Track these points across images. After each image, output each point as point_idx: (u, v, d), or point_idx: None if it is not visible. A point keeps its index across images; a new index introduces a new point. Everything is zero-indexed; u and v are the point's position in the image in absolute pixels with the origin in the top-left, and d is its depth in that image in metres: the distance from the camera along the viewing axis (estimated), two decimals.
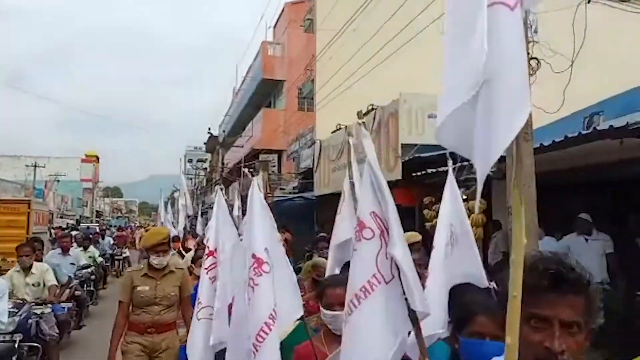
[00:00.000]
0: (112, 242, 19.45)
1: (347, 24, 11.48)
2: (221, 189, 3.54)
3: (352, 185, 3.00)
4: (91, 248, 12.62)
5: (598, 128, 5.14)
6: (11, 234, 10.56)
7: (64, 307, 7.33)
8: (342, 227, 3.18)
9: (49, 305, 6.50)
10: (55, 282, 6.66)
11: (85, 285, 10.54)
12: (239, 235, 3.33)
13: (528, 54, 4.86)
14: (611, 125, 4.86)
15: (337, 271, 3.20)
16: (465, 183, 9.21)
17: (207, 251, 3.42)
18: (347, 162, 3.06)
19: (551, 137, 5.77)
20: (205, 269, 3.33)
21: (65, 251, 9.43)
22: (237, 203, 7.34)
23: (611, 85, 7.80)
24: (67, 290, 8.12)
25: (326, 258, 5.50)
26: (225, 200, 3.47)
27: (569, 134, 5.51)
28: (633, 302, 5.86)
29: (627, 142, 4.99)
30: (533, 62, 4.88)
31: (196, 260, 5.56)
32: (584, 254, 6.44)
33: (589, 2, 5.16)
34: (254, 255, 2.68)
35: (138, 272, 4.30)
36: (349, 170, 3.06)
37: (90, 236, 14.93)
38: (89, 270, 10.50)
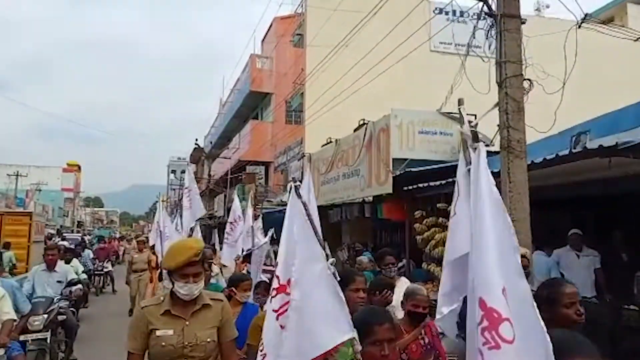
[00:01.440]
0: (91, 255, 17.15)
1: (341, 42, 11.70)
2: (297, 186, 2.48)
3: (469, 173, 2.24)
4: (74, 262, 10.65)
5: (588, 147, 5.35)
6: (16, 242, 12.77)
7: (21, 343, 5.63)
8: (459, 237, 2.36)
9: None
10: (12, 315, 4.87)
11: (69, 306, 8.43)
12: (328, 257, 2.34)
13: (521, 75, 5.07)
14: (601, 145, 5.07)
15: (455, 300, 2.38)
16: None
17: (275, 283, 2.50)
18: (462, 139, 2.30)
19: (538, 155, 5.98)
20: (275, 311, 2.40)
21: (51, 267, 7.54)
22: (249, 211, 6.74)
23: (597, 106, 8.11)
24: (44, 317, 6.52)
25: (392, 277, 4.77)
26: (303, 204, 2.40)
27: (559, 152, 5.72)
28: (619, 316, 6.05)
29: (615, 161, 5.20)
30: (526, 84, 5.08)
31: (239, 283, 4.59)
32: (575, 269, 6.69)
33: (579, 27, 5.41)
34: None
35: (156, 309, 2.88)
36: (463, 152, 2.32)
37: (75, 247, 13.81)
38: (79, 287, 8.25)
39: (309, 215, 2.40)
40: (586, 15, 5.52)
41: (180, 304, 2.88)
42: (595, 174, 6.20)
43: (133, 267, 12.23)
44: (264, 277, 5.25)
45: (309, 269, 2.28)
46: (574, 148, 6.38)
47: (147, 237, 14.59)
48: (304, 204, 2.42)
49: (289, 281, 2.33)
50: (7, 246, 13.13)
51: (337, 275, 2.34)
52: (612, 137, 5.65)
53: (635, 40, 6.47)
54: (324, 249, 2.38)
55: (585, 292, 6.64)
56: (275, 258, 5.98)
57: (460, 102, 2.67)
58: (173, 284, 2.84)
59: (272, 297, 2.47)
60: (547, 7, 21.57)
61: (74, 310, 9.14)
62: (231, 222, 7.49)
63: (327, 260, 2.35)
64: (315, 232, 2.37)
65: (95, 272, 16.78)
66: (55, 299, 7.19)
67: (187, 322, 2.85)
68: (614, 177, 6.00)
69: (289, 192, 2.51)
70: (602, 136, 6.18)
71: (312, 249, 2.33)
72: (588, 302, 5.93)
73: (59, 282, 7.56)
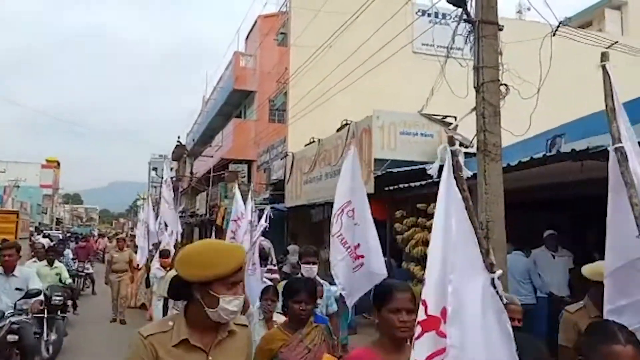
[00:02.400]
0: (71, 255, 15.78)
1: (326, 42, 11.79)
2: (457, 162, 1.75)
3: (622, 155, 1.70)
4: (57, 264, 9.38)
5: (561, 150, 5.52)
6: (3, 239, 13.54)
7: None
8: (615, 242, 1.77)
9: None
10: None
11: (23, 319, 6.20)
12: (492, 266, 1.59)
13: (498, 80, 5.21)
14: (573, 149, 5.24)
15: (632, 320, 1.74)
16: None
17: (421, 315, 1.65)
18: (607, 108, 1.84)
19: (517, 158, 6.16)
20: None
21: (8, 271, 5.92)
22: (250, 205, 6.13)
23: (572, 110, 8.33)
24: None
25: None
26: (462, 190, 1.70)
27: (534, 155, 5.90)
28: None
29: (587, 164, 5.38)
30: (502, 88, 5.22)
31: None
32: (551, 269, 6.91)
33: (554, 35, 5.58)
34: None
35: (166, 337, 1.98)
36: (610, 125, 1.79)
37: (56, 246, 12.35)
38: (40, 299, 6.25)
39: (468, 207, 1.62)
40: (560, 23, 5.69)
41: (200, 331, 2.03)
42: (569, 177, 6.39)
43: (113, 266, 11.76)
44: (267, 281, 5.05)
45: (469, 290, 1.50)
46: (550, 151, 6.58)
47: (132, 235, 14.38)
48: (463, 190, 1.62)
49: (444, 312, 1.52)
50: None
51: (503, 297, 1.59)
52: (585, 141, 5.85)
53: (607, 47, 6.67)
54: (487, 254, 1.56)
55: (561, 291, 6.87)
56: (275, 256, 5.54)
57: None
58: (217, 301, 1.96)
59: (416, 338, 1.60)
60: (528, 9, 21.91)
61: (63, 316, 7.96)
62: (235, 220, 6.63)
63: (492, 271, 1.55)
64: (475, 231, 1.60)
65: (77, 274, 15.35)
66: (6, 313, 5.67)
67: (210, 357, 2.02)
68: (587, 180, 6.19)
69: (436, 174, 1.72)
70: (577, 139, 6.39)
71: (470, 257, 1.54)
72: (563, 300, 6.13)
73: (18, 289, 5.95)
